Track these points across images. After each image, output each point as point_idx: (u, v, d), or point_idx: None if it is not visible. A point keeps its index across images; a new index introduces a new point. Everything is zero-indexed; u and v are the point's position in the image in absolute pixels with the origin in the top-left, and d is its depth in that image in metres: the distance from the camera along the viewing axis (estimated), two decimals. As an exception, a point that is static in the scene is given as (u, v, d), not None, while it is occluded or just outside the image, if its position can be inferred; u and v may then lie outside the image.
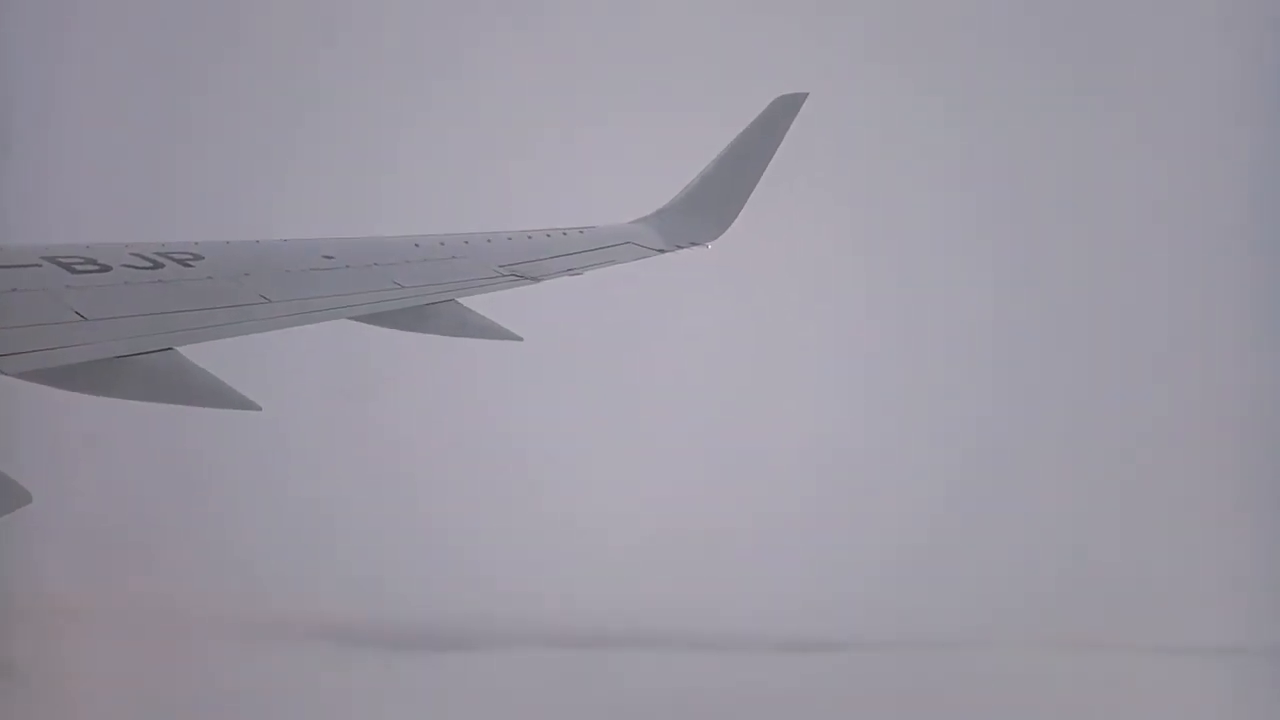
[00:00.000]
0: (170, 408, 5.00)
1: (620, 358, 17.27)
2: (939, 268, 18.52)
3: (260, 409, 5.12)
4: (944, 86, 18.25)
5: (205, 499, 16.07)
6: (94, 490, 14.96)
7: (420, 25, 18.26)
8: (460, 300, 6.95)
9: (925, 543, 17.67)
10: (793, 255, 16.95)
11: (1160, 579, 18.11)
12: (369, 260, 7.01)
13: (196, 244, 6.27)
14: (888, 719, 17.44)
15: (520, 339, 7.06)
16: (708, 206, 10.77)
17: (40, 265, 5.32)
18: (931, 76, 18.26)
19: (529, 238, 8.60)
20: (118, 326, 5.09)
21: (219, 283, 5.93)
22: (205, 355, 5.19)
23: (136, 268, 5.69)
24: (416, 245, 7.59)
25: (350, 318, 6.32)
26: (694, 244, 10.28)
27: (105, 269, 5.51)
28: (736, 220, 10.74)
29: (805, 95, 11.13)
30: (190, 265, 5.98)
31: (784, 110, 11.11)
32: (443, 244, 7.80)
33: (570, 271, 8.31)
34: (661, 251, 9.79)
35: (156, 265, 5.82)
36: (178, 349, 5.13)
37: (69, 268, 5.37)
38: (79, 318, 4.99)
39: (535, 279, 7.81)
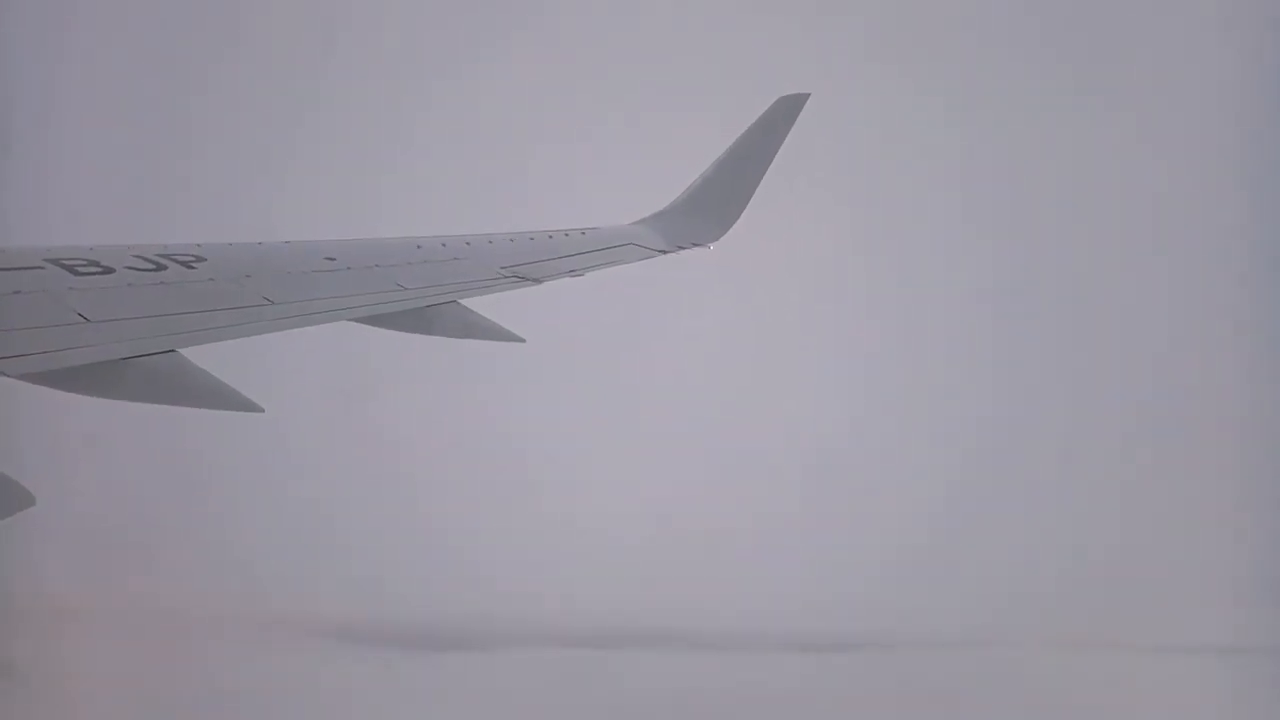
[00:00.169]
0: (172, 409, 5.00)
1: (622, 359, 17.28)
2: (939, 268, 18.53)
3: (262, 411, 5.12)
4: (944, 87, 18.27)
5: (207, 500, 16.08)
6: (96, 491, 14.96)
7: (422, 27, 18.27)
8: (462, 302, 6.95)
9: (925, 543, 17.69)
10: (794, 256, 16.96)
11: (1160, 579, 18.12)
12: (371, 262, 7.00)
13: (199, 246, 6.27)
14: (888, 719, 17.45)
15: (522, 340, 7.06)
16: (709, 207, 10.77)
17: (43, 267, 5.32)
18: (932, 77, 18.27)
19: (531, 239, 8.60)
20: (120, 328, 5.09)
21: (221, 285, 5.93)
22: (208, 357, 5.19)
23: (139, 270, 5.70)
24: (418, 247, 7.58)
25: (352, 319, 6.32)
26: (696, 245, 10.28)
27: (108, 271, 5.52)
28: (738, 221, 10.73)
29: (807, 96, 11.13)
30: (193, 267, 5.98)
31: (786, 111, 11.11)
32: (444, 245, 7.79)
33: (572, 273, 8.31)
34: (663, 252, 9.78)
35: (159, 267, 5.82)
36: (180, 351, 5.13)
37: (72, 270, 5.37)
38: (81, 319, 4.99)
39: (537, 280, 7.80)
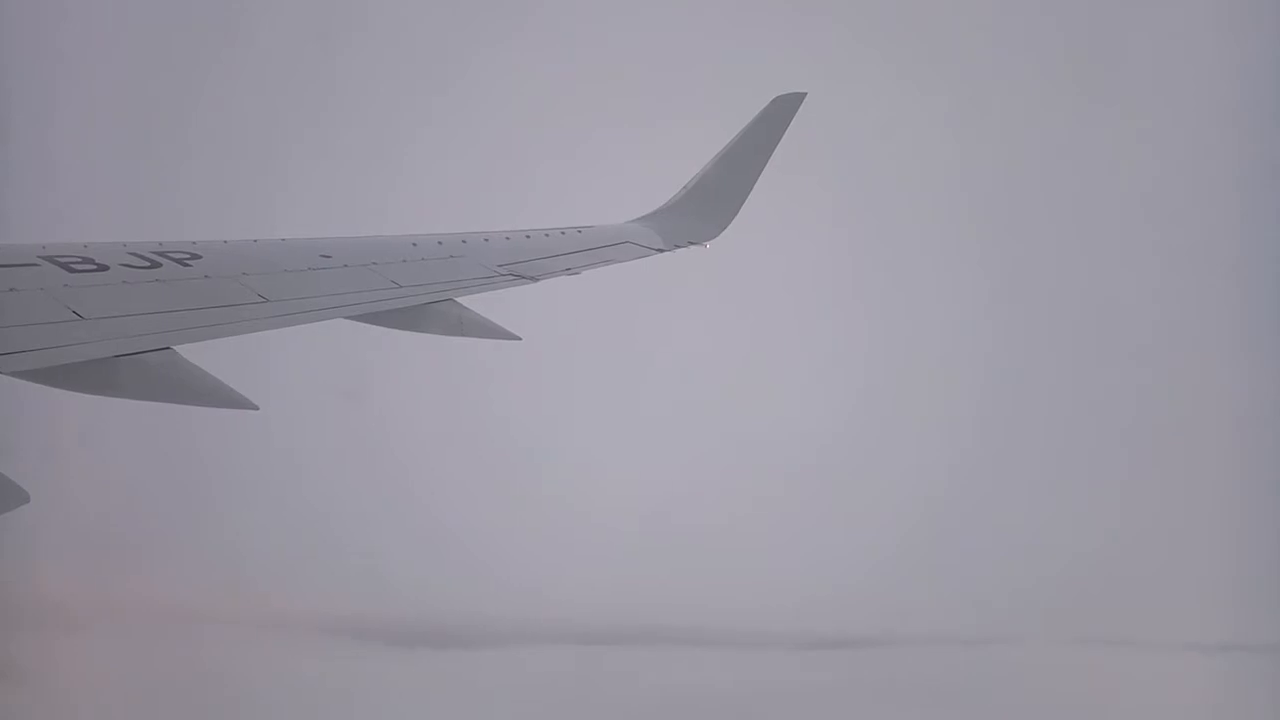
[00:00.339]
0: (168, 407, 4.99)
1: (618, 357, 17.29)
2: (935, 266, 18.56)
3: (257, 408, 5.12)
4: (940, 86, 18.30)
5: (202, 497, 16.06)
6: (90, 488, 14.94)
7: (420, 28, 18.27)
8: (458, 299, 6.94)
9: (923, 540, 17.71)
10: (790, 255, 16.98)
11: (1159, 576, 18.16)
12: (367, 260, 6.99)
13: (194, 243, 6.26)
14: (887, 714, 17.46)
15: (519, 338, 7.06)
16: (706, 206, 10.75)
17: (38, 264, 5.31)
18: (928, 76, 18.31)
19: (527, 237, 8.59)
20: (115, 326, 5.08)
21: (216, 282, 5.92)
22: (203, 354, 5.18)
23: (134, 267, 5.68)
24: (414, 244, 7.57)
25: (348, 317, 6.31)
26: (692, 243, 10.27)
27: (103, 268, 5.50)
28: (734, 220, 10.73)
29: (803, 95, 11.12)
30: (188, 264, 5.97)
31: (782, 110, 11.10)
32: (441, 243, 7.78)
33: (568, 271, 8.30)
34: (660, 251, 9.77)
35: (154, 264, 5.81)
36: (175, 348, 5.12)
37: (67, 267, 5.36)
38: (76, 317, 4.98)
39: (533, 278, 7.79)
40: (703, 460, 17.54)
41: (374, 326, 6.41)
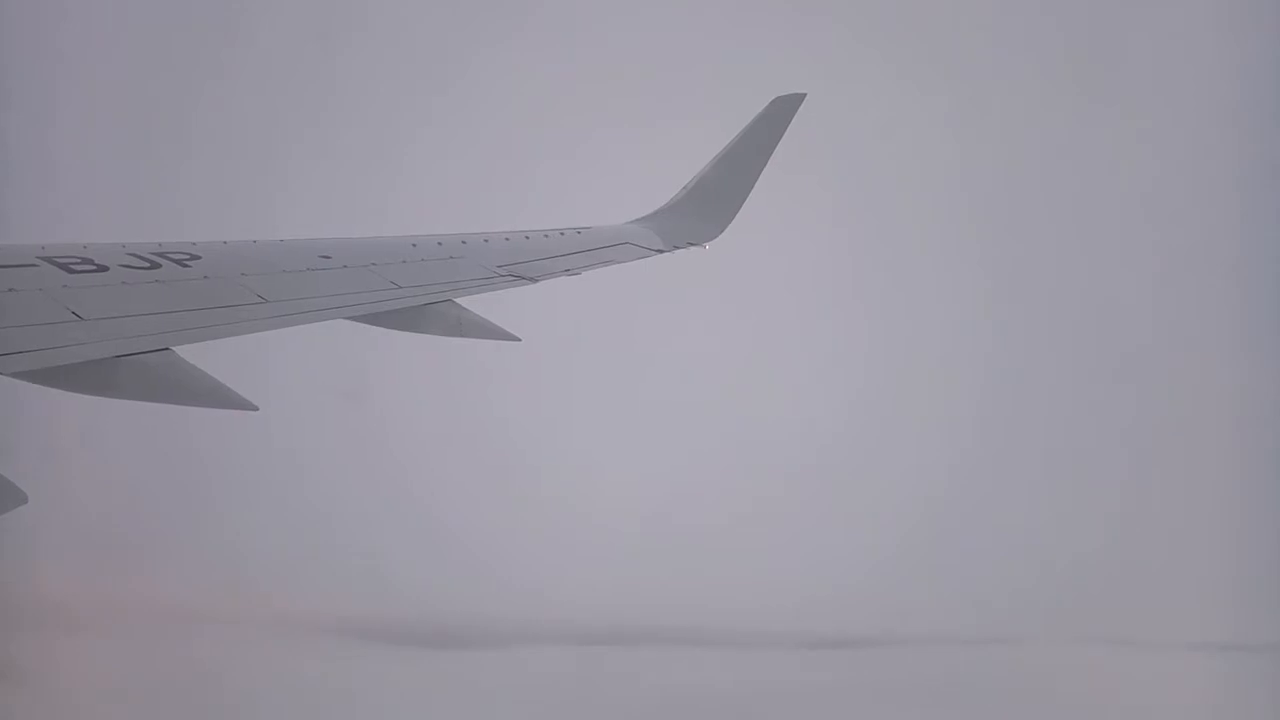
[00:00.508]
0: (167, 408, 4.99)
1: (618, 358, 17.29)
2: (935, 266, 18.56)
3: (257, 409, 5.12)
4: (940, 87, 18.30)
5: (202, 498, 16.07)
6: (92, 489, 14.94)
7: (420, 28, 18.27)
8: (458, 300, 6.94)
9: (924, 540, 17.72)
10: (789, 256, 16.98)
11: (1159, 575, 18.16)
12: (366, 260, 6.99)
13: (193, 244, 6.26)
14: (887, 714, 17.46)
15: (518, 339, 7.06)
16: (706, 207, 10.75)
17: (37, 265, 5.31)
18: (927, 77, 18.31)
19: (527, 238, 8.59)
20: (114, 326, 5.08)
21: (216, 283, 5.92)
22: (202, 355, 5.18)
23: (133, 268, 5.68)
24: (414, 245, 7.57)
25: (347, 318, 6.31)
26: (692, 244, 10.27)
27: (102, 269, 5.50)
28: (734, 221, 10.73)
29: (803, 96, 11.12)
30: (187, 265, 5.97)
31: (781, 111, 11.10)
32: (440, 244, 7.78)
33: (568, 272, 8.30)
34: (659, 252, 9.78)
35: (153, 265, 5.81)
36: (174, 349, 5.12)
37: (66, 268, 5.36)
38: (75, 318, 4.98)
39: (533, 279, 7.80)
40: (703, 460, 17.55)
41: (373, 327, 6.41)
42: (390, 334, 6.47)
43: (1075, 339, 18.76)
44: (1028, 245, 18.57)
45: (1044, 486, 18.41)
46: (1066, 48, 18.76)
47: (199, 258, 6.10)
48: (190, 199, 15.86)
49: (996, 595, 17.62)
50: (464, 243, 7.95)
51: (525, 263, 7.97)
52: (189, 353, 5.16)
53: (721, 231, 10.65)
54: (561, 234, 9.00)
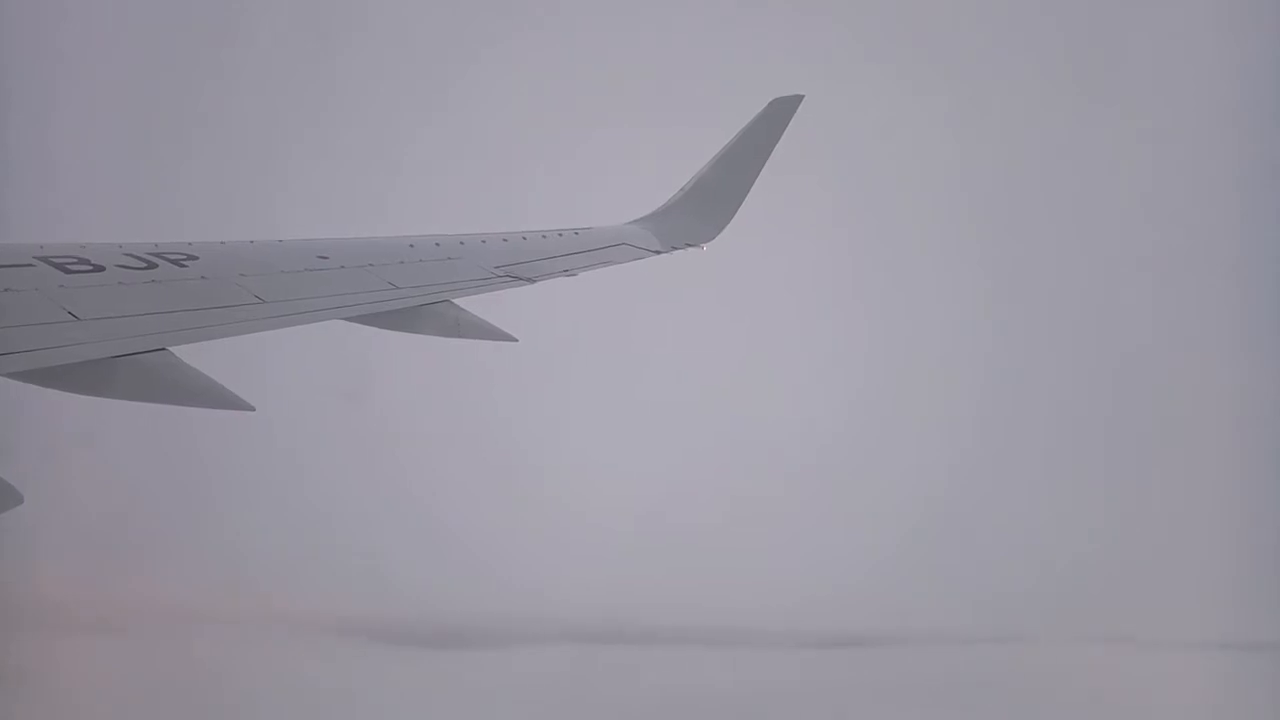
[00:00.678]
0: (164, 408, 4.99)
1: (615, 358, 17.29)
2: (937, 266, 18.56)
3: (254, 409, 5.12)
4: (938, 88, 18.30)
5: (202, 498, 16.07)
6: (91, 489, 14.94)
7: (420, 28, 18.27)
8: (455, 301, 6.94)
9: (924, 539, 17.71)
10: (787, 257, 16.98)
11: (1160, 575, 18.15)
12: (364, 261, 6.99)
13: (190, 244, 6.26)
14: (888, 714, 17.46)
15: (515, 340, 7.07)
16: (703, 208, 10.76)
17: (33, 265, 5.31)
18: (926, 78, 18.31)
19: (524, 239, 8.59)
20: (111, 326, 5.07)
21: (213, 283, 5.92)
22: (199, 356, 5.18)
23: (130, 268, 5.68)
24: (411, 246, 7.57)
25: (345, 318, 6.31)
26: (689, 245, 10.28)
27: (99, 269, 5.50)
28: (732, 222, 10.73)
29: (801, 97, 11.12)
30: (184, 265, 5.97)
31: (780, 112, 11.10)
32: (438, 245, 7.78)
33: (566, 272, 8.30)
34: (657, 253, 9.78)
35: (150, 265, 5.80)
36: (171, 349, 5.12)
37: (62, 268, 5.36)
38: (72, 318, 4.98)
39: (530, 280, 7.80)
40: (702, 460, 17.55)
41: (371, 328, 6.41)
42: (388, 334, 6.47)
43: (1075, 339, 18.77)
44: (1028, 245, 18.58)
45: (1044, 486, 18.41)
46: (1066, 48, 18.77)
47: (196, 258, 6.09)
48: (189, 199, 15.87)
49: (996, 595, 17.62)
50: (462, 243, 7.95)
51: (523, 263, 7.97)
52: (186, 353, 5.16)
53: (719, 232, 10.66)
54: (559, 235, 9.00)
